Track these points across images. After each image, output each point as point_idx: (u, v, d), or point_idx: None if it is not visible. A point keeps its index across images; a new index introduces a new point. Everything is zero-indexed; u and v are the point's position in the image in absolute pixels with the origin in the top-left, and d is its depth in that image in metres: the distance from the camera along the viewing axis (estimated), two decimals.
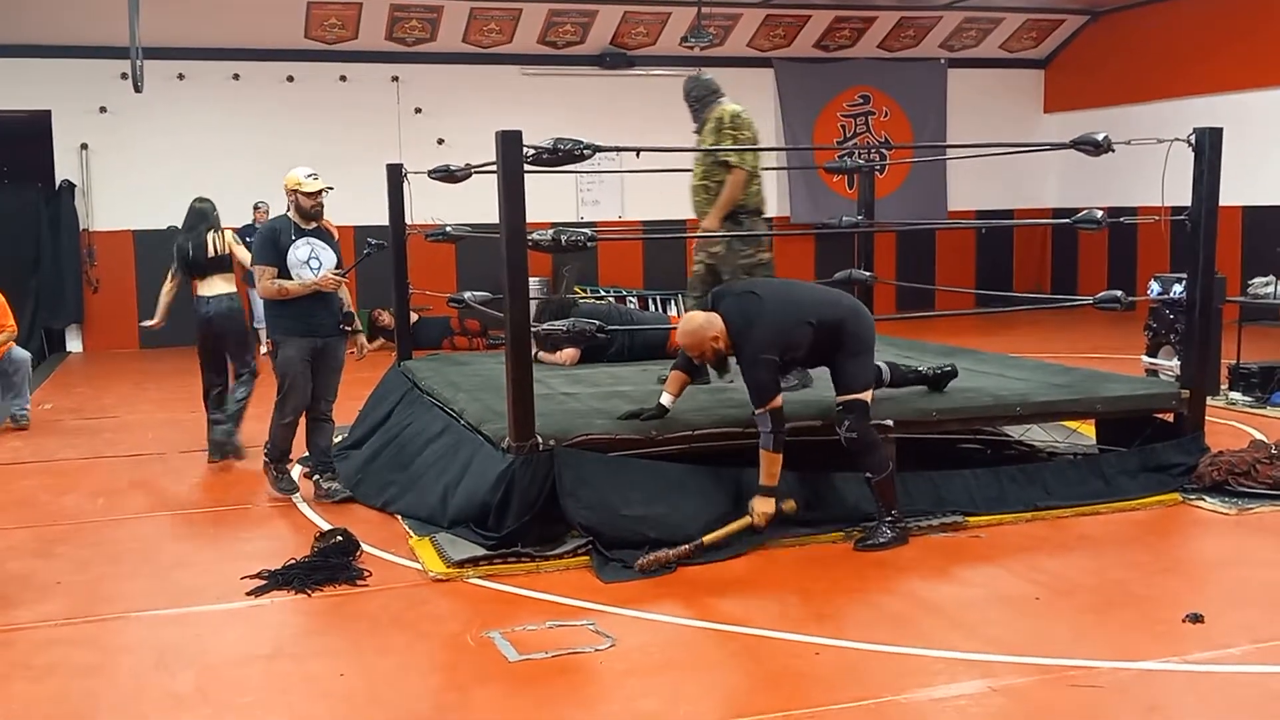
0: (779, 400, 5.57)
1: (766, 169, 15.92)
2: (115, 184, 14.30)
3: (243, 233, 8.98)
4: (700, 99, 6.97)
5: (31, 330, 13.17)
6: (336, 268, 6.78)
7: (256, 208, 13.11)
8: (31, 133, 14.30)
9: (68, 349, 14.59)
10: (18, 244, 14.24)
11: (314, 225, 6.79)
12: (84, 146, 14.29)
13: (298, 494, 6.90)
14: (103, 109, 14.20)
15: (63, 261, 14.33)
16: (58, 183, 14.30)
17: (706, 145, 6.80)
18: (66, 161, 14.32)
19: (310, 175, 6.75)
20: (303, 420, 6.93)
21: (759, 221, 6.97)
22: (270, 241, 6.69)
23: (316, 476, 6.91)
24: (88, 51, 13.80)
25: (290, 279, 6.66)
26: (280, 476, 6.95)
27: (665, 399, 6.05)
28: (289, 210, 6.82)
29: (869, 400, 5.80)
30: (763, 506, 5.62)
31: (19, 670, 4.45)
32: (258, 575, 5.39)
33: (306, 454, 7.04)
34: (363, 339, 7.19)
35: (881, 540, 5.70)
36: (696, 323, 5.73)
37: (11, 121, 14.42)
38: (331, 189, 6.85)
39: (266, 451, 6.94)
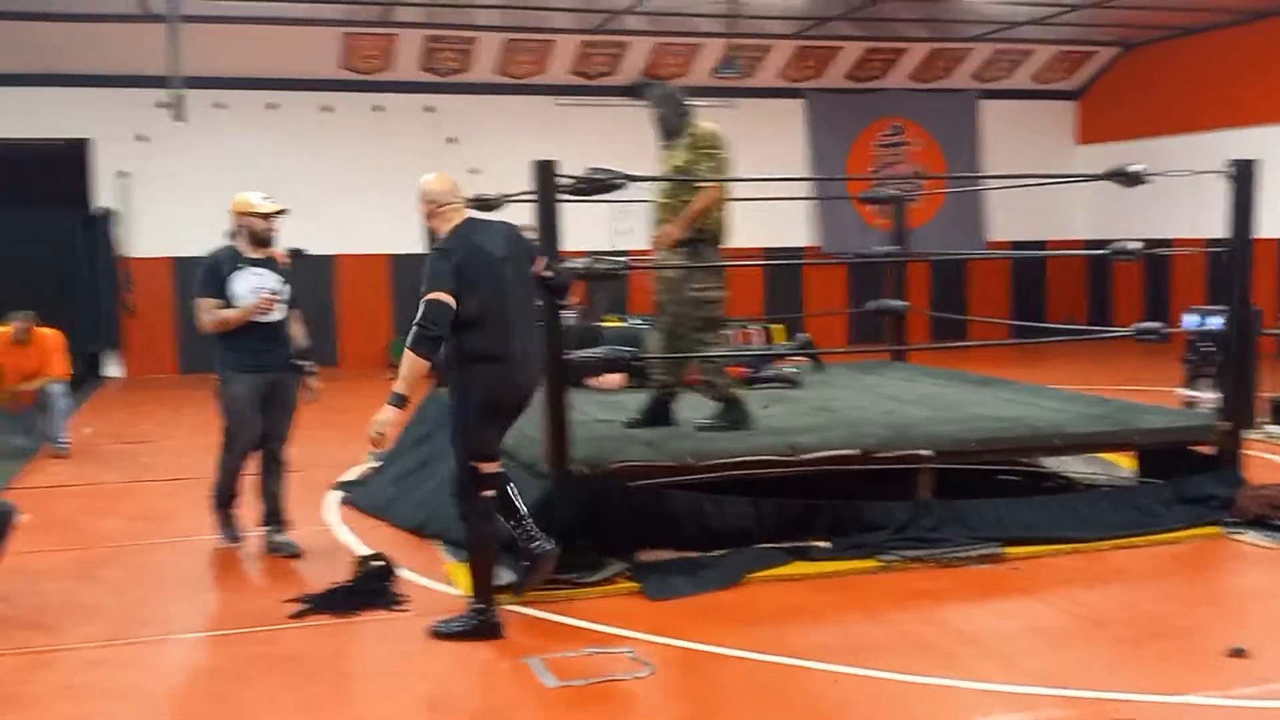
0: (444, 296, 4.81)
1: (795, 198, 15.85)
2: (153, 211, 14.45)
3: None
4: (676, 113, 6.54)
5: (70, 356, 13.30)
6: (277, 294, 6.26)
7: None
8: (71, 160, 14.50)
9: (105, 374, 14.74)
10: (55, 270, 14.42)
11: (262, 254, 6.31)
12: (123, 174, 14.48)
13: (242, 542, 6.40)
14: (141, 137, 14.39)
15: (100, 288, 14.49)
16: (96, 209, 14.49)
17: (679, 163, 6.45)
18: (106, 188, 14.50)
19: (264, 198, 6.35)
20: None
21: (715, 253, 6.48)
22: (212, 273, 6.24)
23: (267, 529, 6.37)
24: (127, 80, 13.99)
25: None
26: (226, 525, 6.45)
27: None
28: (237, 238, 6.34)
29: (488, 472, 5.03)
30: (381, 415, 4.83)
31: (61, 691, 4.50)
32: (298, 599, 5.43)
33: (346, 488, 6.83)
34: (314, 381, 6.45)
35: (455, 628, 4.98)
36: (445, 184, 5.13)
37: (51, 149, 14.63)
38: (287, 211, 6.39)
39: (213, 497, 6.42)
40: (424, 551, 6.26)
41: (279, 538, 6.34)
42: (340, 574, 5.69)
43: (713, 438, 6.37)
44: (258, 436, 6.29)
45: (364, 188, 14.66)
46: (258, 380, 6.20)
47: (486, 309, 4.93)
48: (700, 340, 6.47)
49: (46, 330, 9.60)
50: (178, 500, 7.68)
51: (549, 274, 5.34)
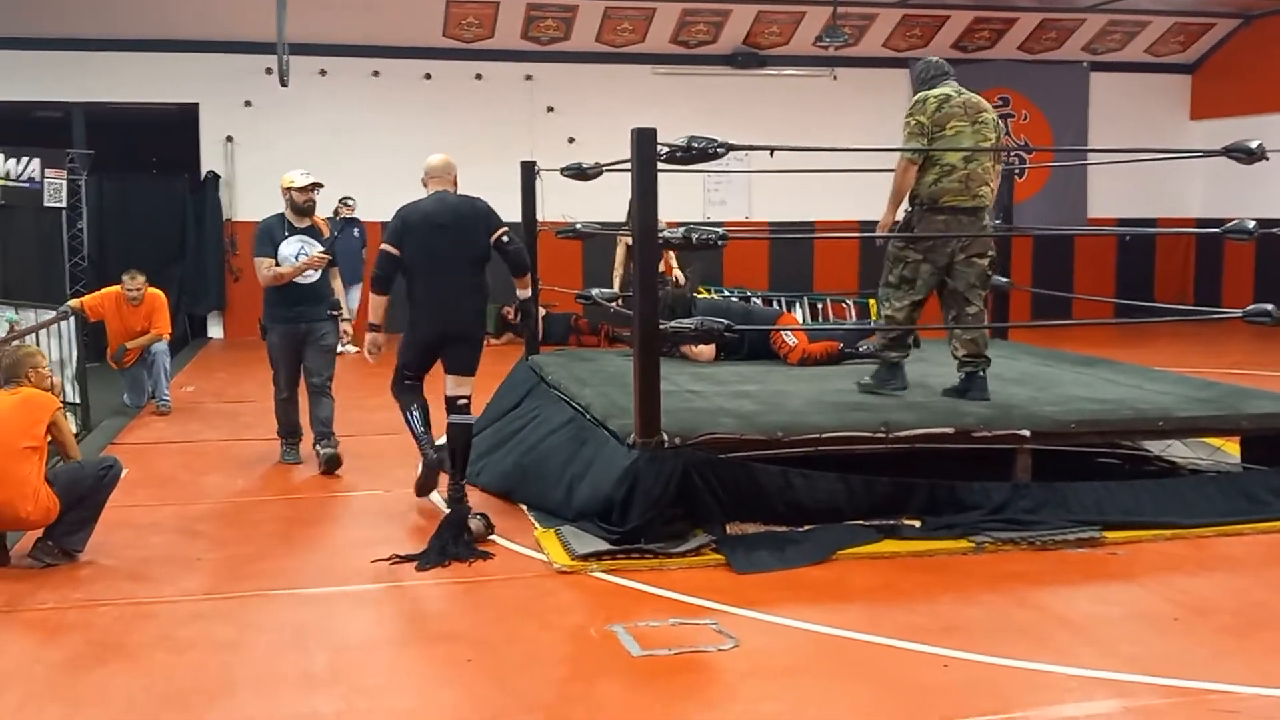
0: (387, 246, 6.16)
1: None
2: (258, 176, 14.70)
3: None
4: (915, 86, 6.99)
5: (175, 316, 13.66)
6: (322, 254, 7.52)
7: (345, 203, 13.41)
8: (180, 125, 14.84)
9: (209, 335, 15.09)
10: (164, 233, 14.80)
11: (307, 224, 7.56)
12: (229, 139, 14.78)
13: (300, 463, 7.67)
14: (248, 103, 14.66)
15: (206, 250, 14.84)
16: (203, 174, 14.81)
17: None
18: (212, 153, 14.83)
19: (302, 174, 7.54)
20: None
21: (930, 217, 6.66)
22: (267, 236, 7.50)
23: (317, 446, 7.55)
24: (235, 47, 14.26)
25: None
26: (287, 450, 7.77)
27: None
28: (285, 209, 7.55)
29: (409, 380, 6.43)
30: (366, 338, 6.36)
31: (162, 641, 4.62)
32: (392, 558, 5.53)
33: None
34: (348, 327, 7.99)
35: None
36: (438, 162, 6.55)
37: (162, 114, 14.99)
38: (322, 186, 7.62)
39: (277, 423, 7.79)
40: (512, 517, 6.30)
41: (326, 451, 7.48)
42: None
43: (804, 412, 6.31)
44: (296, 371, 7.62)
45: (462, 157, 14.70)
46: (293, 330, 7.52)
47: (413, 261, 6.14)
48: (885, 297, 6.82)
49: (153, 290, 9.86)
50: (277, 458, 7.83)
51: (505, 240, 6.24)
